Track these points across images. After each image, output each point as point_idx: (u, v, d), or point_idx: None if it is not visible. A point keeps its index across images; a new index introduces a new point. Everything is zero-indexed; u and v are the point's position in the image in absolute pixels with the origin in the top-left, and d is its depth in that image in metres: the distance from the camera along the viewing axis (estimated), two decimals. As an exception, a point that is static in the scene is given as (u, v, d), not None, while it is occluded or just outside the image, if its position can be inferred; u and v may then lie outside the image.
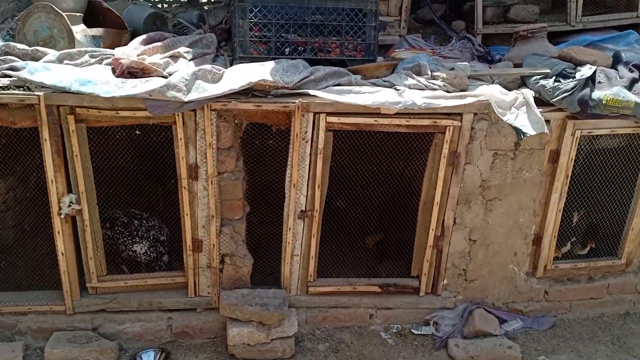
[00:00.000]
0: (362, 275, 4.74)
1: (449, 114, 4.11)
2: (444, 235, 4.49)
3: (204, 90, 3.86)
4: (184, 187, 4.11)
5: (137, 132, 4.10)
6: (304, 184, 4.22)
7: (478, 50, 5.20)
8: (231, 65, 4.35)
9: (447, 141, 4.17)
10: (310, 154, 4.14)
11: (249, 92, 3.94)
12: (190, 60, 4.33)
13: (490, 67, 4.91)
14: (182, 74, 3.87)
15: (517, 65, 4.73)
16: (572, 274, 4.90)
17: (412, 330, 4.71)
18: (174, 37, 4.66)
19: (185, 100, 3.78)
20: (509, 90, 4.31)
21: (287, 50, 4.35)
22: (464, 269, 4.62)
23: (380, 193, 4.93)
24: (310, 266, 4.48)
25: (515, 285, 4.76)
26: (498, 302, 4.80)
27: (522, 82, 4.44)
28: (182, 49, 4.38)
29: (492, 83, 4.47)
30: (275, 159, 4.34)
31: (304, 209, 4.29)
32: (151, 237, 4.69)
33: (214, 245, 4.28)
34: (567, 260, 4.88)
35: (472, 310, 4.65)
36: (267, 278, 4.67)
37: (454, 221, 4.45)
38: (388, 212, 5.03)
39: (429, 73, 4.25)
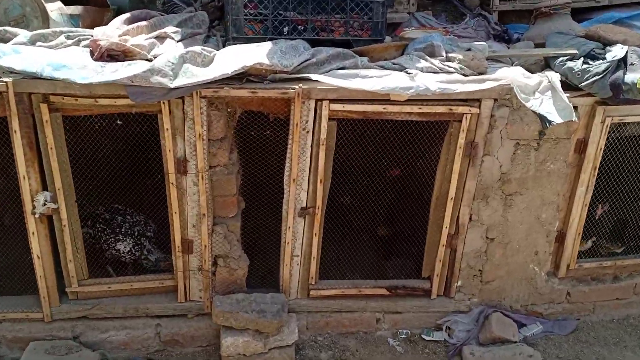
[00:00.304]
0: (368, 276, 4.41)
1: (466, 100, 3.74)
2: (458, 233, 4.14)
3: (192, 75, 3.48)
4: (172, 183, 3.75)
5: (118, 122, 3.72)
6: (304, 178, 3.86)
7: (494, 28, 4.82)
8: (224, 46, 3.96)
9: (463, 130, 3.80)
10: (311, 146, 3.77)
11: (243, 77, 3.57)
12: (178, 42, 3.96)
13: (509, 47, 4.53)
14: (168, 57, 3.49)
15: (538, 45, 4.36)
16: (596, 273, 4.57)
17: (423, 336, 4.38)
18: (162, 15, 4.26)
19: (172, 86, 3.40)
20: (532, 73, 3.94)
21: (285, 29, 3.96)
22: (479, 270, 4.28)
23: (389, 188, 4.56)
24: (312, 267, 4.13)
25: (535, 287, 4.43)
26: (516, 305, 4.47)
27: (546, 64, 4.06)
28: (169, 29, 4.00)
29: (512, 65, 4.11)
30: (273, 151, 3.98)
31: (304, 205, 3.94)
32: (136, 234, 4.33)
33: (205, 246, 3.93)
34: (592, 258, 4.53)
35: (488, 314, 4.33)
36: (265, 280, 4.34)
37: (470, 218, 4.10)
38: (397, 208, 4.66)
39: (444, 54, 3.87)
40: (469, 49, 4.01)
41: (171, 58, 3.48)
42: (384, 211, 4.64)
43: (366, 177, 4.42)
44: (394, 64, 3.82)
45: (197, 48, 3.64)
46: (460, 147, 3.84)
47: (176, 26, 4.10)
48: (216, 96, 3.56)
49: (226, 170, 3.81)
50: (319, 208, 3.95)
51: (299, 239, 4.04)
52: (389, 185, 4.57)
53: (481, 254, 4.23)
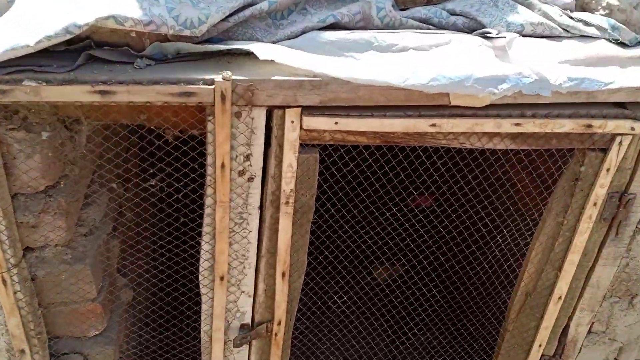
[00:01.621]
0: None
1: (622, 105, 1.66)
2: (563, 355, 2.16)
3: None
4: None
5: None
6: (246, 271, 1.81)
7: None
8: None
9: (608, 169, 1.74)
10: (261, 207, 1.70)
11: (82, 48, 1.46)
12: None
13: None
14: None
15: None
16: None
17: None
18: None
19: None
20: None
21: None
22: (594, 414, 2.35)
23: (427, 271, 2.52)
24: None
25: None
26: None
27: None
28: None
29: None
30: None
31: (249, 322, 1.91)
32: None
33: (35, 407, 1.92)
34: None
35: None
36: None
37: (590, 329, 2.12)
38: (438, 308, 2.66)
39: (570, -7, 1.78)
40: (612, -22, 1.91)
41: None
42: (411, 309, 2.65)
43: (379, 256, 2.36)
44: (451, 14, 1.72)
45: (-40, -26, 1.49)
46: (595, 204, 1.80)
47: None
48: (13, 101, 1.44)
49: (69, 253, 1.76)
50: (279, 323, 1.92)
51: (238, 382, 2.04)
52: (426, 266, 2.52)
53: (600, 387, 2.29)
